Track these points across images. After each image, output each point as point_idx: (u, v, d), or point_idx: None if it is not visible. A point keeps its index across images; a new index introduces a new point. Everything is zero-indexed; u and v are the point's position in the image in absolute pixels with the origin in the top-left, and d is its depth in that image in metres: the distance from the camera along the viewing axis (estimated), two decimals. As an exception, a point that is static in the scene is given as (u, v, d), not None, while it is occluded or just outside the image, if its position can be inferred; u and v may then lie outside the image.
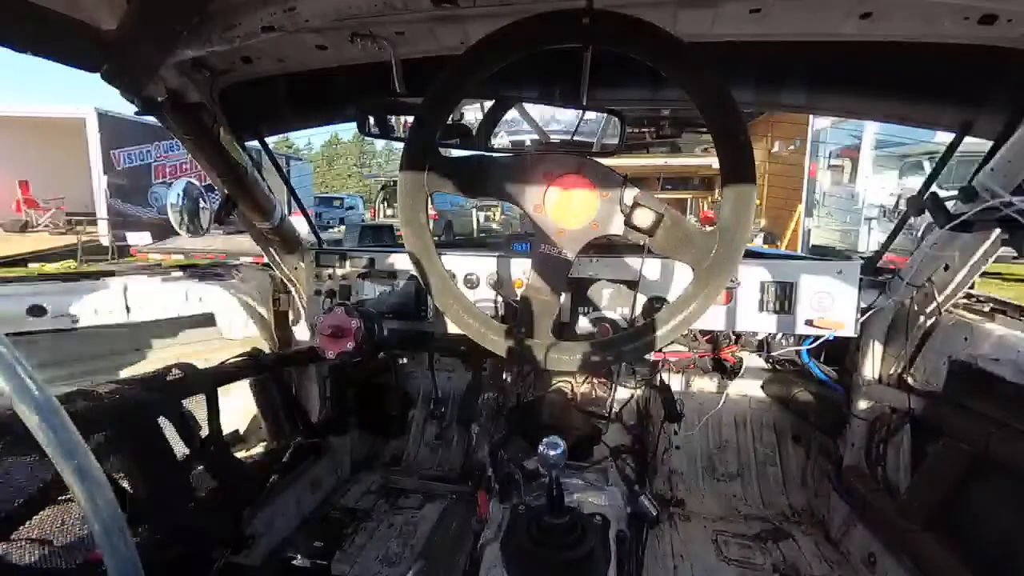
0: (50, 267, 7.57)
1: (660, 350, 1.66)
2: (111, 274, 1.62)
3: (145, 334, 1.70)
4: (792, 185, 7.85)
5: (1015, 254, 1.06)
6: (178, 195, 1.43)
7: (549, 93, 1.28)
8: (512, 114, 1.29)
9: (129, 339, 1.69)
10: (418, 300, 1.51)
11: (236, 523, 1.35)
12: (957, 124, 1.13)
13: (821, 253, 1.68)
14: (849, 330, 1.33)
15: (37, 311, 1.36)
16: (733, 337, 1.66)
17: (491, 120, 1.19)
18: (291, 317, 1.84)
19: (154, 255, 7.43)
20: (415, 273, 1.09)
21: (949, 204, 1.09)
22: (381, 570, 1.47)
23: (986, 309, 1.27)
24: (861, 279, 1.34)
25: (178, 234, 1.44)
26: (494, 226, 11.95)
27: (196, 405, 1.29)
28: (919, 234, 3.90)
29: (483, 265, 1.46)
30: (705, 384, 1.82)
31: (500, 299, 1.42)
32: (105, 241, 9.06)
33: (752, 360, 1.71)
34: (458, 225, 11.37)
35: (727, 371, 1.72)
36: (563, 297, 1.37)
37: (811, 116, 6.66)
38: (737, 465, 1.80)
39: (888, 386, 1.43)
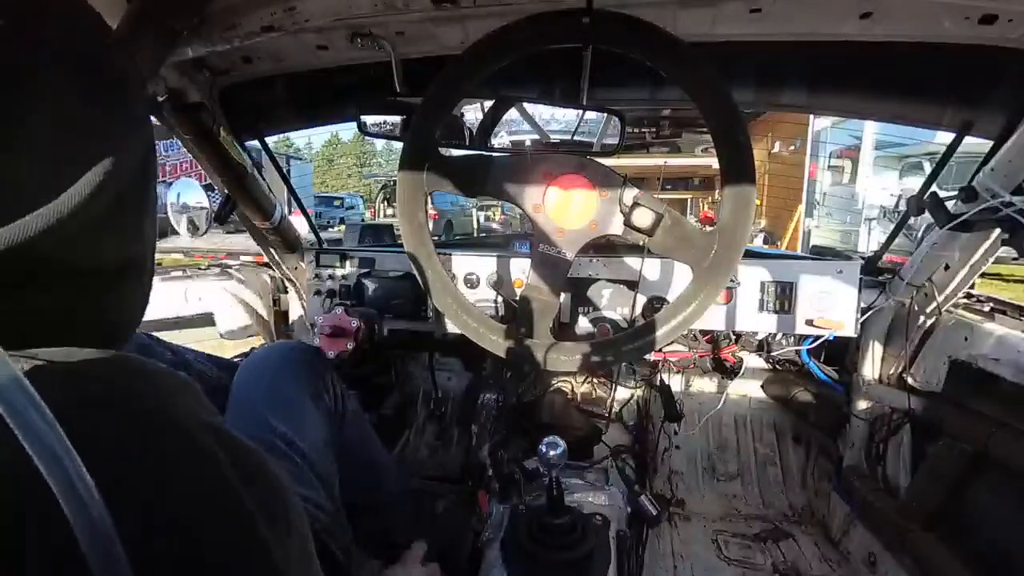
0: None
1: (660, 350, 1.66)
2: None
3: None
4: (792, 185, 7.84)
5: (1015, 254, 1.06)
6: (178, 195, 1.43)
7: (549, 93, 1.28)
8: (512, 114, 1.29)
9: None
10: (418, 300, 1.51)
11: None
12: (957, 124, 1.13)
13: (821, 253, 1.67)
14: (849, 330, 1.33)
15: None
16: (733, 337, 1.66)
17: (491, 120, 1.19)
18: (291, 317, 1.84)
19: (154, 255, 7.38)
20: (415, 273, 1.10)
21: (949, 204, 1.09)
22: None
23: (986, 309, 1.27)
24: (861, 279, 1.33)
25: (177, 234, 1.44)
26: (494, 226, 11.92)
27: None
28: (919, 234, 3.90)
29: (483, 265, 1.46)
30: (705, 384, 1.82)
31: (500, 299, 1.42)
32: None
33: (752, 360, 1.71)
34: (458, 225, 11.36)
35: (727, 371, 1.72)
36: (563, 297, 1.37)
37: (811, 116, 6.66)
38: (737, 465, 1.80)
39: (888, 386, 1.43)
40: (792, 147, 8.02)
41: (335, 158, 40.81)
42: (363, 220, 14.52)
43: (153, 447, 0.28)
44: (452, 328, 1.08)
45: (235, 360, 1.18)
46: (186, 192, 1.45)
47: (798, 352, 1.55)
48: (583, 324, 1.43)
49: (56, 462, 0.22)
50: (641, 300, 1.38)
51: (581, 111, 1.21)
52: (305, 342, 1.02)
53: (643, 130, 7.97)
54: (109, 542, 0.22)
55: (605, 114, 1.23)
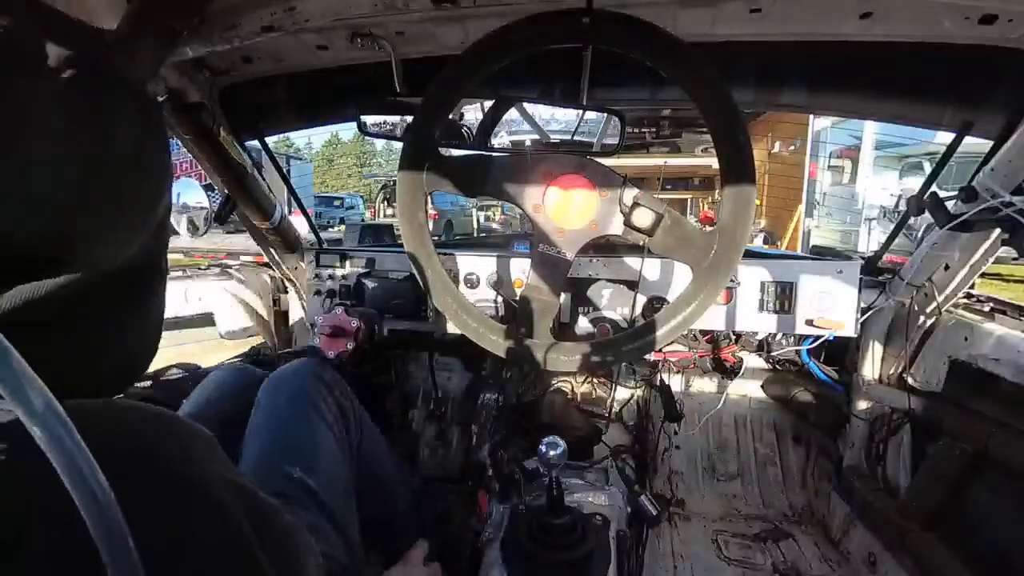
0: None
1: (660, 350, 1.66)
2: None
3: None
4: (792, 185, 7.84)
5: (1015, 254, 1.06)
6: (178, 194, 1.43)
7: (549, 93, 1.28)
8: (512, 114, 1.29)
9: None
10: (418, 300, 1.51)
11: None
12: (957, 124, 1.13)
13: (821, 253, 1.68)
14: (849, 330, 1.33)
15: None
16: (733, 337, 1.66)
17: (491, 120, 1.19)
18: (291, 317, 1.84)
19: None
20: (415, 273, 1.10)
21: (949, 204, 1.09)
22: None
23: (986, 309, 1.27)
24: (861, 279, 1.33)
25: (177, 233, 1.44)
26: (494, 226, 11.92)
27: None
28: (919, 234, 3.90)
29: (483, 265, 1.46)
30: (705, 384, 1.82)
31: (500, 299, 1.42)
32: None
33: (752, 360, 1.71)
34: (458, 225, 11.36)
35: (727, 371, 1.72)
36: (563, 297, 1.37)
37: (811, 116, 6.66)
38: (737, 465, 1.80)
39: (888, 386, 1.43)
40: (792, 147, 8.02)
41: (335, 158, 40.79)
42: (363, 220, 14.52)
43: (171, 505, 0.29)
44: (452, 328, 1.08)
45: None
46: (186, 192, 1.44)
47: (798, 352, 1.55)
48: (583, 324, 1.42)
49: (84, 482, 0.22)
50: (641, 300, 1.38)
51: (581, 111, 1.21)
52: (317, 364, 1.00)
53: (643, 130, 7.97)
54: (134, 563, 0.23)
55: (605, 114, 1.23)
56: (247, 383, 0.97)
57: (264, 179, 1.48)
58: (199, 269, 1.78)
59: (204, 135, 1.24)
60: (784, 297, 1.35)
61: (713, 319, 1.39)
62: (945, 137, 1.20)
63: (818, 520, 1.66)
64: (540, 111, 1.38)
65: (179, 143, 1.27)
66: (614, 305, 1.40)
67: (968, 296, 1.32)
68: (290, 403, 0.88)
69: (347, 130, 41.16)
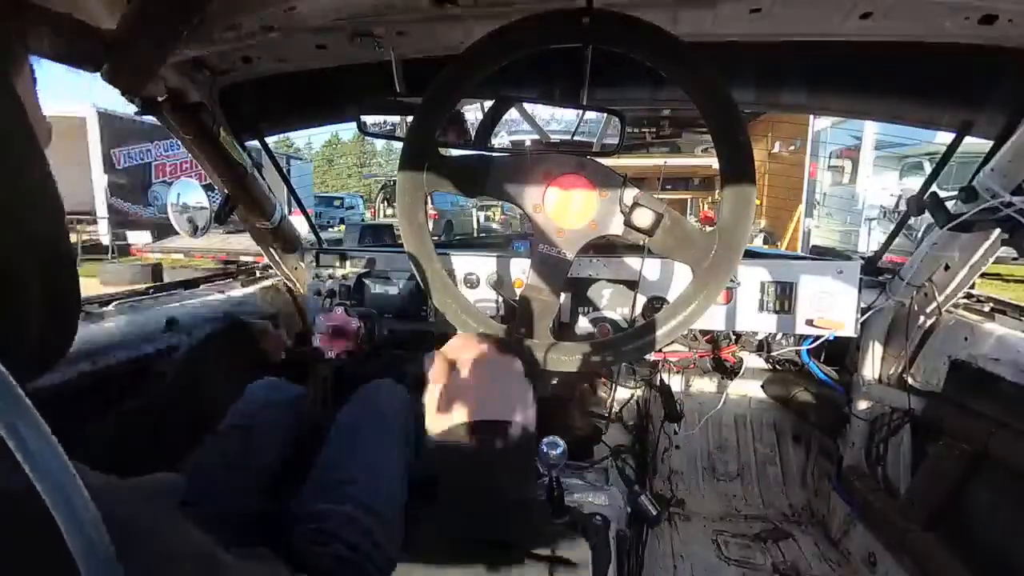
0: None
1: (660, 350, 1.66)
2: (196, 283, 1.59)
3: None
4: (792, 185, 7.85)
5: (1015, 254, 1.06)
6: (178, 194, 1.44)
7: (549, 93, 1.28)
8: (512, 114, 1.28)
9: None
10: (418, 300, 1.51)
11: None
12: (957, 124, 1.13)
13: (821, 253, 1.69)
14: (849, 330, 1.33)
15: (173, 324, 1.32)
16: (733, 337, 1.66)
17: (491, 120, 1.19)
18: (291, 317, 1.84)
19: (155, 254, 7.44)
20: (415, 273, 1.10)
21: (949, 204, 1.09)
22: None
23: (986, 309, 1.27)
24: (861, 279, 1.33)
25: (178, 233, 1.44)
26: (494, 226, 11.94)
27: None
28: (919, 234, 3.90)
29: (483, 265, 1.46)
30: (705, 384, 1.82)
31: (500, 299, 1.41)
32: (105, 240, 9.08)
33: (752, 360, 1.71)
34: (458, 225, 11.37)
35: (727, 371, 1.72)
36: (563, 297, 1.37)
37: (811, 116, 6.66)
38: (737, 465, 1.80)
39: (888, 386, 1.43)
40: (792, 147, 8.03)
41: (335, 158, 40.78)
42: (363, 220, 14.53)
43: None
44: (452, 328, 1.07)
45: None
46: (186, 192, 1.44)
47: (798, 352, 1.55)
48: (583, 324, 1.42)
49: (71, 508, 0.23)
50: (641, 300, 1.38)
51: (581, 111, 1.21)
52: (401, 392, 1.06)
53: (643, 130, 7.98)
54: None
55: (605, 114, 1.23)
56: (281, 398, 1.06)
57: (264, 179, 1.48)
58: (257, 272, 1.79)
59: (204, 135, 1.24)
60: (784, 297, 1.35)
61: (713, 319, 1.39)
62: (945, 137, 1.20)
63: (818, 520, 1.66)
64: (540, 111, 1.37)
65: (179, 143, 1.27)
66: (614, 305, 1.40)
67: (968, 296, 1.32)
68: (374, 419, 0.98)
69: (347, 130, 41.13)
